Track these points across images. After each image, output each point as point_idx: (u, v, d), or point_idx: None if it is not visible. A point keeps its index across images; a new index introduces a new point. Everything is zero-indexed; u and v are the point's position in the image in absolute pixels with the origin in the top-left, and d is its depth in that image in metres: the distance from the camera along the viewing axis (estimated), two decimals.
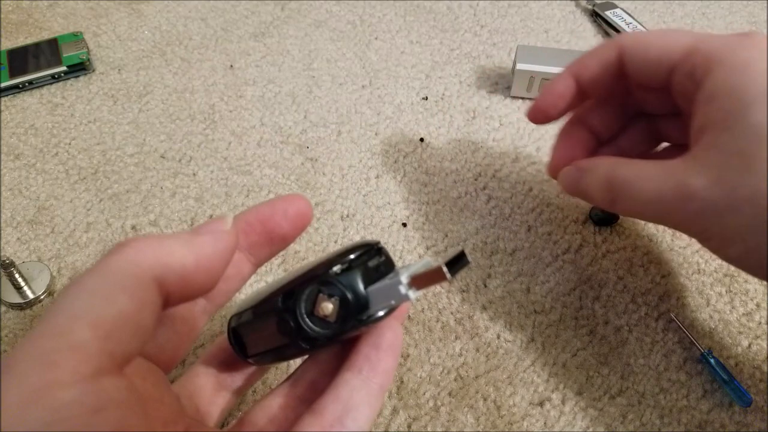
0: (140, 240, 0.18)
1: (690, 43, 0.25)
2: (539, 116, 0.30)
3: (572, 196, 0.30)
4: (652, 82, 0.26)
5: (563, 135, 0.31)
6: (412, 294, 0.19)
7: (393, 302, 0.20)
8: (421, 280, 0.19)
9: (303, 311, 0.20)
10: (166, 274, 0.18)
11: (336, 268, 0.20)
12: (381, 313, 0.20)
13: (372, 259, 0.21)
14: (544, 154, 0.39)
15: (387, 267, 0.21)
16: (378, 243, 0.22)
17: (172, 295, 0.18)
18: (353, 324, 0.20)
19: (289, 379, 0.23)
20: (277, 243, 0.23)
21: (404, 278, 0.19)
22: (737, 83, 0.22)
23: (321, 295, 0.20)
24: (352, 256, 0.20)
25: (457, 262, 0.19)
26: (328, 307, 0.20)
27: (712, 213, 0.22)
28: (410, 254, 0.34)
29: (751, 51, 0.23)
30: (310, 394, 0.22)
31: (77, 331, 0.15)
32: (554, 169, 0.30)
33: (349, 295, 0.20)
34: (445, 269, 0.18)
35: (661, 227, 0.35)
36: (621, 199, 0.25)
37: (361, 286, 0.20)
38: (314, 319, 0.20)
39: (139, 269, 0.17)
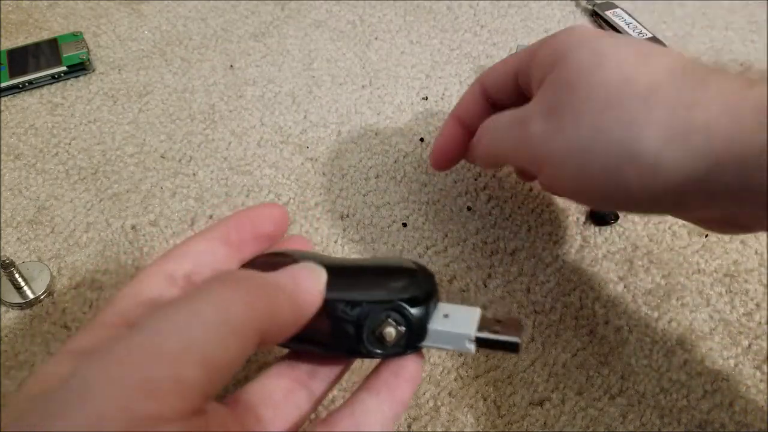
0: (255, 282, 0.18)
1: (523, 53, 0.28)
2: (441, 163, 0.34)
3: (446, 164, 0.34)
4: (506, 93, 0.30)
5: (441, 133, 0.34)
6: (473, 349, 0.20)
7: (450, 347, 0.21)
8: (490, 345, 0.20)
9: (367, 331, 0.20)
10: (268, 330, 0.18)
11: (407, 295, 0.21)
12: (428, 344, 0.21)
13: (435, 294, 0.22)
14: None
15: (436, 299, 0.22)
16: (430, 273, 0.23)
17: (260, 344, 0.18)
18: (403, 351, 0.21)
19: (285, 359, 0.23)
20: (262, 241, 0.25)
21: (472, 333, 0.20)
22: (555, 45, 0.25)
23: (389, 319, 0.20)
24: (420, 289, 0.21)
25: (519, 333, 0.21)
26: (391, 333, 0.20)
27: (558, 156, 0.24)
28: (410, 254, 0.34)
29: (564, 31, 0.26)
30: (309, 379, 0.22)
31: (188, 368, 0.15)
32: (435, 162, 0.34)
33: (415, 329, 0.20)
34: (519, 343, 0.20)
35: (661, 227, 0.35)
36: (490, 150, 0.28)
37: (427, 322, 0.21)
38: (372, 337, 0.20)
39: (251, 319, 0.17)
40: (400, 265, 0.23)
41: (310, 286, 0.20)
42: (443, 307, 0.22)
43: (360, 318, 0.20)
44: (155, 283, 0.21)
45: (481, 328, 0.21)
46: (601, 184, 0.22)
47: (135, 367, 0.15)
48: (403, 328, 0.20)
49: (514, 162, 0.29)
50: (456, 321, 0.21)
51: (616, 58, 0.23)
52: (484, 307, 0.32)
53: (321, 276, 0.21)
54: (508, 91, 0.29)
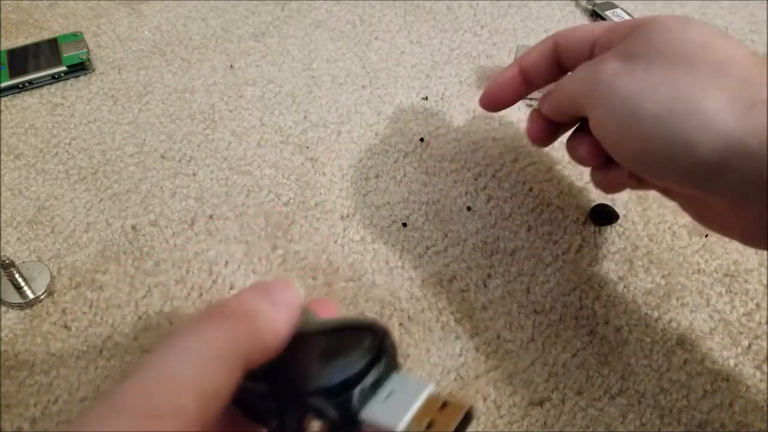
0: (238, 314, 0.19)
1: (608, 25, 0.28)
2: (490, 103, 0.33)
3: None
4: (579, 58, 0.29)
5: (500, 76, 0.33)
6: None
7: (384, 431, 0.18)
8: None
9: (290, 424, 0.19)
10: (252, 356, 0.18)
11: (335, 381, 0.18)
12: None
13: (374, 367, 0.19)
14: (544, 154, 0.39)
15: (388, 371, 0.19)
16: (383, 333, 0.20)
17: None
18: None
19: None
20: None
21: (402, 425, 0.18)
22: (641, 19, 0.26)
23: (310, 414, 0.18)
24: (354, 369, 0.19)
25: (467, 422, 0.18)
26: (314, 425, 0.18)
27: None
28: (410, 254, 0.34)
29: (652, 23, 0.25)
30: None
31: (183, 397, 0.16)
32: (486, 100, 0.34)
33: (341, 422, 0.18)
34: None
35: (661, 227, 0.35)
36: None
37: (356, 412, 0.18)
38: (300, 429, 0.19)
39: (235, 349, 0.18)
40: (351, 337, 0.20)
41: (288, 300, 0.20)
42: (394, 381, 0.19)
43: (278, 411, 0.19)
44: None
45: (415, 419, 0.18)
46: (650, 134, 0.23)
47: (141, 393, 0.16)
48: (327, 422, 0.18)
49: (577, 104, 0.28)
50: (392, 406, 0.18)
51: (701, 28, 0.24)
52: (484, 308, 0.32)
53: (298, 290, 0.21)
54: (583, 57, 0.29)
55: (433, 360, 0.30)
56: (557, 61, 0.31)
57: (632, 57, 0.24)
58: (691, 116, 0.22)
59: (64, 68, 0.44)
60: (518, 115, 0.42)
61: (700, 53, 0.23)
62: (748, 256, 0.34)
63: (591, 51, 0.29)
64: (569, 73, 0.29)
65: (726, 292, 0.32)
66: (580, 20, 0.50)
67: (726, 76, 0.22)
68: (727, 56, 0.23)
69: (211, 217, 0.36)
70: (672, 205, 0.36)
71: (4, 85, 0.43)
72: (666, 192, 0.29)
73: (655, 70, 0.23)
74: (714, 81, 0.22)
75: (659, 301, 0.32)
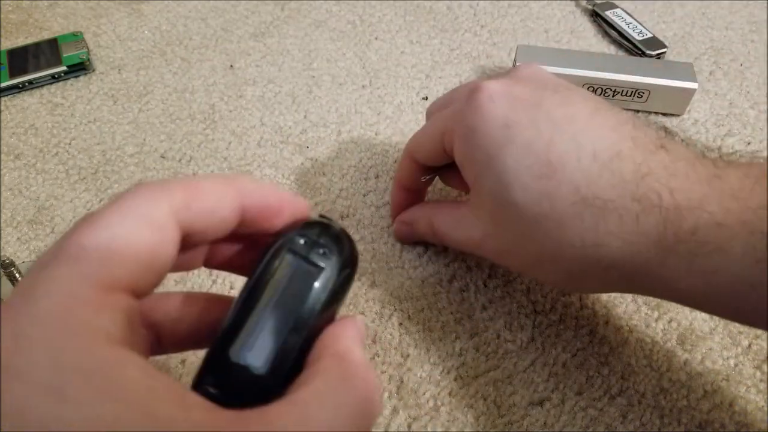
0: (177, 179, 0.18)
1: (443, 116, 0.29)
2: (403, 231, 0.34)
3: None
4: (438, 161, 0.30)
5: (393, 204, 0.35)
6: None
7: None
8: None
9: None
10: (192, 222, 0.18)
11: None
12: None
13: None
14: None
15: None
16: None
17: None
18: None
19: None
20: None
21: None
22: (468, 147, 0.26)
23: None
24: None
25: None
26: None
27: (503, 255, 0.27)
28: (410, 253, 0.34)
29: (473, 111, 0.26)
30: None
31: (114, 263, 0.16)
32: (398, 235, 0.35)
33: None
34: None
35: None
36: (443, 241, 0.31)
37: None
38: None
39: (169, 208, 0.17)
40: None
41: (243, 184, 0.19)
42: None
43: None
44: (171, 242, 0.19)
45: None
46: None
47: (73, 266, 0.15)
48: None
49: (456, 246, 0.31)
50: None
51: (527, 171, 0.24)
52: (484, 308, 0.32)
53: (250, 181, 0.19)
54: (437, 157, 0.29)
55: (433, 360, 0.30)
56: (422, 168, 0.31)
57: (494, 224, 0.26)
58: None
59: (64, 68, 0.44)
60: None
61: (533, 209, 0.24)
62: None
63: (442, 147, 0.28)
64: (431, 214, 0.31)
65: None
66: (580, 20, 0.50)
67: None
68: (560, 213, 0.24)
69: None
70: None
71: (4, 85, 0.43)
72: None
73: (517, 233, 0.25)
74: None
75: (659, 301, 0.32)
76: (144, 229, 0.16)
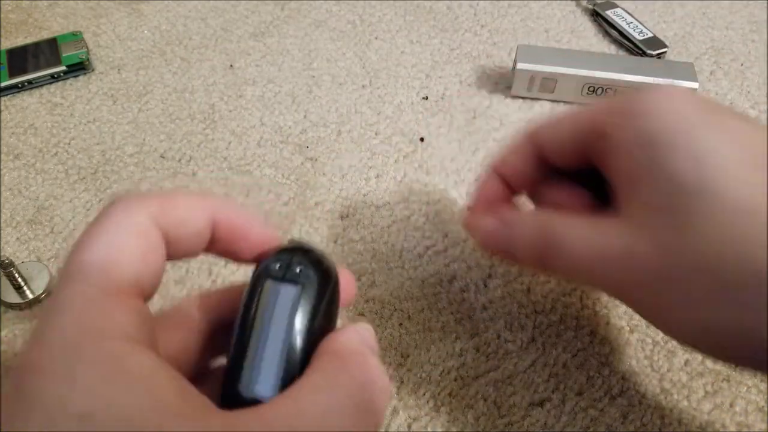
0: (158, 193, 0.19)
1: (599, 107, 0.24)
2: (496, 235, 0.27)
3: (489, 254, 0.27)
4: (569, 158, 0.25)
5: (480, 186, 0.28)
6: None
7: None
8: None
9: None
10: (172, 228, 0.19)
11: None
12: None
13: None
14: None
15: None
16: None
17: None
18: None
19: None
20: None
21: None
22: (647, 128, 0.21)
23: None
24: None
25: None
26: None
27: (656, 282, 0.20)
28: (410, 254, 0.34)
29: (657, 95, 0.21)
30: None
31: (114, 263, 0.17)
32: (483, 240, 0.27)
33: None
34: None
35: None
36: (554, 259, 0.23)
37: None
38: None
39: (151, 217, 0.19)
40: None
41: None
42: None
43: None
44: (158, 247, 0.20)
45: None
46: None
47: (80, 281, 0.17)
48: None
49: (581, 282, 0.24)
50: None
51: (727, 179, 0.19)
52: (484, 308, 0.32)
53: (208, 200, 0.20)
54: (568, 153, 0.24)
55: (433, 360, 0.30)
56: (542, 163, 0.26)
57: (660, 230, 0.20)
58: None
59: (63, 68, 0.44)
60: (518, 115, 0.42)
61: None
62: None
63: (580, 148, 0.24)
64: (562, 233, 0.23)
65: None
66: (581, 20, 0.50)
67: None
68: None
69: None
70: None
71: (3, 84, 0.43)
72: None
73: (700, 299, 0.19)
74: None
75: None
76: (132, 237, 0.18)
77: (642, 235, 0.20)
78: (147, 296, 0.18)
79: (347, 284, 0.21)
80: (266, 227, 0.21)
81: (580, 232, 0.22)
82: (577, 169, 0.25)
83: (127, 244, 0.17)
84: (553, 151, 0.25)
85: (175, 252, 0.19)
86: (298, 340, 0.19)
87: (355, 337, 0.19)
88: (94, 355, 0.15)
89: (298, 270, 0.19)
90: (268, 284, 0.19)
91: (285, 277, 0.19)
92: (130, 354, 0.16)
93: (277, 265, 0.19)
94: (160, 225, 0.18)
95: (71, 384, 0.15)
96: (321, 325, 0.19)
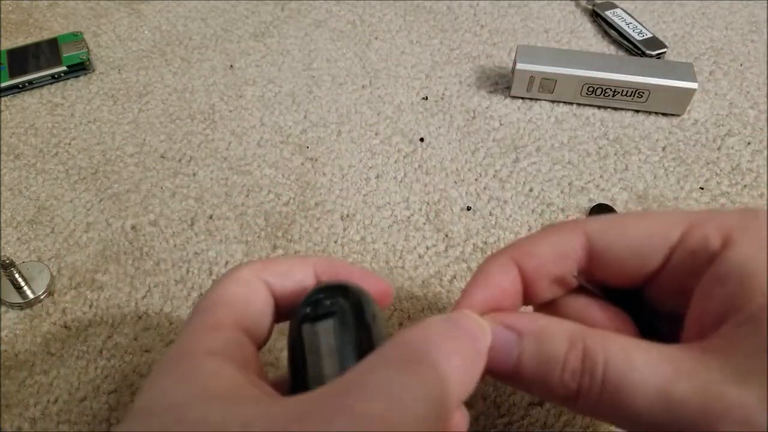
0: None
1: (692, 218, 0.20)
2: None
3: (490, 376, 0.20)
4: (632, 270, 0.20)
5: (484, 273, 0.22)
6: None
7: None
8: None
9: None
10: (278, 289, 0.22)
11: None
12: None
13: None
14: (545, 154, 0.39)
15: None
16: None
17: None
18: None
19: None
20: None
21: None
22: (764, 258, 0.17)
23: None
24: None
25: None
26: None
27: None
28: (410, 254, 0.34)
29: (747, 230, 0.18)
30: None
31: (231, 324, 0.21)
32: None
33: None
34: None
35: None
36: (600, 392, 0.17)
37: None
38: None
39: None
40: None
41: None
42: None
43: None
44: (259, 292, 0.22)
45: None
46: None
47: (196, 318, 0.20)
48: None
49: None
50: None
51: None
52: None
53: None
54: (633, 271, 0.20)
55: None
56: (588, 267, 0.21)
57: None
58: None
59: (64, 68, 0.44)
60: (518, 115, 0.42)
61: None
62: None
63: (663, 261, 0.20)
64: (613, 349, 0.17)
65: None
66: (580, 20, 0.50)
67: None
68: None
69: (211, 217, 0.36)
70: (671, 205, 0.36)
71: (4, 85, 0.43)
72: None
73: None
74: None
75: None
76: (234, 286, 0.21)
77: (741, 378, 0.15)
78: (254, 333, 0.21)
79: (378, 285, 0.22)
80: (366, 270, 0.23)
81: (637, 356, 0.17)
82: (616, 287, 0.21)
83: (230, 291, 0.21)
84: (613, 254, 0.20)
85: (285, 302, 0.22)
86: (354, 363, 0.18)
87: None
88: (174, 366, 0.18)
89: (327, 303, 0.20)
90: (306, 328, 0.20)
91: (318, 314, 0.20)
92: (203, 361, 0.18)
93: (308, 309, 0.20)
94: (262, 277, 0.21)
95: (152, 386, 0.18)
96: (370, 339, 0.19)
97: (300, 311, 0.20)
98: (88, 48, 0.46)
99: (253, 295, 0.21)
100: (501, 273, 0.21)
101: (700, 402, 0.16)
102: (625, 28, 0.47)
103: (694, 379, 0.16)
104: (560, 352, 0.18)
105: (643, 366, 0.16)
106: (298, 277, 0.22)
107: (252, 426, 0.15)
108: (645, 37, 0.46)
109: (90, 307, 0.32)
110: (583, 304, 0.21)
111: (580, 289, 0.21)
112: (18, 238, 0.35)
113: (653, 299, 0.21)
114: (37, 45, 0.46)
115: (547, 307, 0.22)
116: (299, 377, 0.19)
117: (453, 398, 0.16)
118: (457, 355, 0.17)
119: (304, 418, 0.15)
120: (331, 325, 0.19)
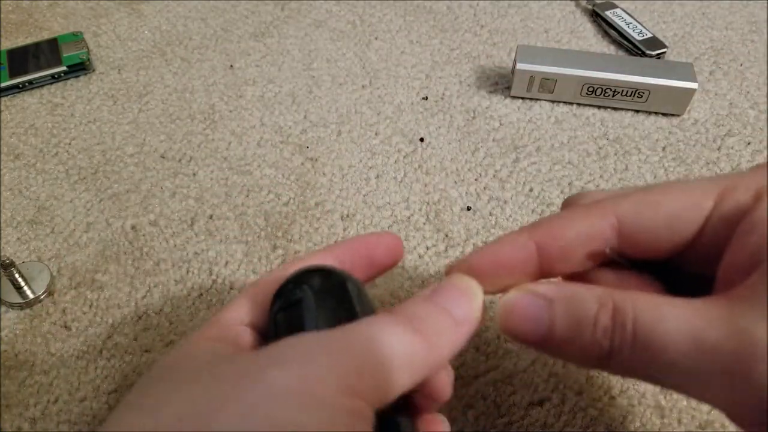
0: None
1: (722, 184, 0.19)
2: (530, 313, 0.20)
3: (512, 340, 0.20)
4: (665, 245, 0.20)
5: (496, 249, 0.21)
6: None
7: None
8: None
9: None
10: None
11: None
12: None
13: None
14: (545, 154, 0.39)
15: None
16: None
17: None
18: None
19: None
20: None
21: None
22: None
23: None
24: None
25: None
26: None
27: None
28: (410, 254, 0.34)
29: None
30: None
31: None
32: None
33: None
34: None
35: None
36: (632, 347, 0.17)
37: None
38: None
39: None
40: None
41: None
42: None
43: None
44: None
45: None
46: None
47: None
48: None
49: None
50: None
51: None
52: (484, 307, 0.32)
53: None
54: (665, 240, 0.20)
55: None
56: (618, 244, 0.20)
57: None
58: None
59: (64, 68, 0.44)
60: (518, 115, 0.42)
61: None
62: None
63: (696, 233, 0.19)
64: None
65: None
66: (580, 20, 0.50)
67: None
68: None
69: (211, 217, 0.36)
70: None
71: (4, 85, 0.43)
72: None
73: None
74: None
75: None
76: (239, 300, 0.22)
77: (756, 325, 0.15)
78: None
79: (383, 241, 0.24)
80: (374, 233, 0.25)
81: (678, 312, 0.17)
82: (646, 260, 0.21)
83: (232, 304, 0.22)
84: (643, 232, 0.20)
85: None
86: None
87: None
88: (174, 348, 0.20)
89: (296, 291, 0.20)
90: (279, 317, 0.20)
91: (290, 304, 0.20)
92: (197, 340, 0.20)
93: (279, 303, 0.20)
94: (250, 294, 0.22)
95: (139, 390, 0.19)
96: (350, 320, 0.19)
97: (272, 307, 0.21)
98: (88, 48, 0.46)
99: (258, 308, 0.22)
100: (514, 249, 0.21)
101: (734, 345, 0.16)
102: (625, 28, 0.47)
103: (725, 325, 0.16)
104: (591, 312, 0.18)
105: (673, 317, 0.17)
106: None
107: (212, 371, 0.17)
108: (645, 37, 0.46)
109: (90, 307, 0.32)
110: (613, 277, 0.21)
111: (608, 262, 0.21)
112: (18, 238, 0.35)
113: (684, 266, 0.21)
114: (37, 45, 0.46)
115: (576, 279, 0.22)
116: None
117: (395, 370, 0.17)
118: (402, 330, 0.18)
119: (229, 375, 0.17)
120: (299, 313, 0.20)
